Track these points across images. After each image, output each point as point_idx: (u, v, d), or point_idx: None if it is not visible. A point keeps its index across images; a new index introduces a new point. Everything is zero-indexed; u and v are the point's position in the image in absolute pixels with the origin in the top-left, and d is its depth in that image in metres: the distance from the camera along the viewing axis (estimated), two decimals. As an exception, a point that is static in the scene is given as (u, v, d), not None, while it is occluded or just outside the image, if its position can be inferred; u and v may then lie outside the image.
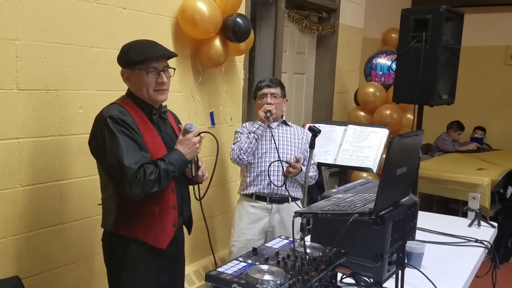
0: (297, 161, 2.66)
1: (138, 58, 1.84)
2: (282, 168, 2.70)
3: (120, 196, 1.83)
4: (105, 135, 1.77)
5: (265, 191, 2.74)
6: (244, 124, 2.92)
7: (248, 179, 2.76)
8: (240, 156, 2.69)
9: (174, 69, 1.96)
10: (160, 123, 1.96)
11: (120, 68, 1.93)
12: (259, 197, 2.75)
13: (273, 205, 2.76)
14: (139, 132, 1.82)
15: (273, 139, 2.73)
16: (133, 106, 1.88)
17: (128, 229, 1.88)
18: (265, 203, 2.75)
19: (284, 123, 2.88)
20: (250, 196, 2.77)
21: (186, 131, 1.92)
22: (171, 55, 1.93)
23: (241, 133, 2.79)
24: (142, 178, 1.73)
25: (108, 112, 1.80)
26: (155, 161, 1.80)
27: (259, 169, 2.73)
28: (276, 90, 2.78)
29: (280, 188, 2.72)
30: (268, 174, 2.70)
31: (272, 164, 2.70)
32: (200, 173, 2.00)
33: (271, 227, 2.79)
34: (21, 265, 2.20)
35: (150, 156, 1.81)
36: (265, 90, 2.76)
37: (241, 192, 2.83)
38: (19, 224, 2.18)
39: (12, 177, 2.12)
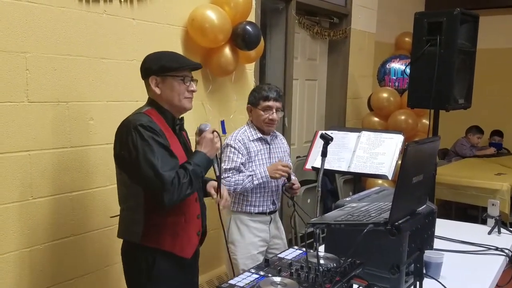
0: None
1: (175, 65, 1.86)
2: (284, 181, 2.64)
3: (157, 204, 1.78)
4: (138, 143, 1.76)
5: (268, 210, 2.69)
6: (238, 137, 2.59)
7: (250, 199, 2.64)
8: (233, 192, 2.58)
9: (197, 80, 1.97)
10: (179, 134, 1.97)
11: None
12: (260, 212, 2.68)
13: (272, 216, 2.72)
14: (167, 140, 1.84)
15: (270, 156, 2.66)
16: (157, 115, 1.88)
17: (155, 240, 1.87)
18: (264, 215, 2.69)
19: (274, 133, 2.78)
20: (250, 212, 2.66)
21: (201, 131, 1.94)
22: (198, 66, 1.97)
23: (238, 151, 2.56)
24: (177, 183, 1.76)
25: (137, 120, 1.79)
26: (183, 165, 1.83)
27: (264, 191, 2.64)
28: (280, 104, 2.65)
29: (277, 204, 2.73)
30: (274, 197, 2.68)
31: (278, 185, 2.68)
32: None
33: (271, 235, 2.75)
34: (34, 278, 2.20)
35: (179, 162, 1.83)
36: (272, 103, 2.58)
37: (239, 210, 2.65)
38: (31, 236, 2.18)
39: (23, 190, 2.13)
